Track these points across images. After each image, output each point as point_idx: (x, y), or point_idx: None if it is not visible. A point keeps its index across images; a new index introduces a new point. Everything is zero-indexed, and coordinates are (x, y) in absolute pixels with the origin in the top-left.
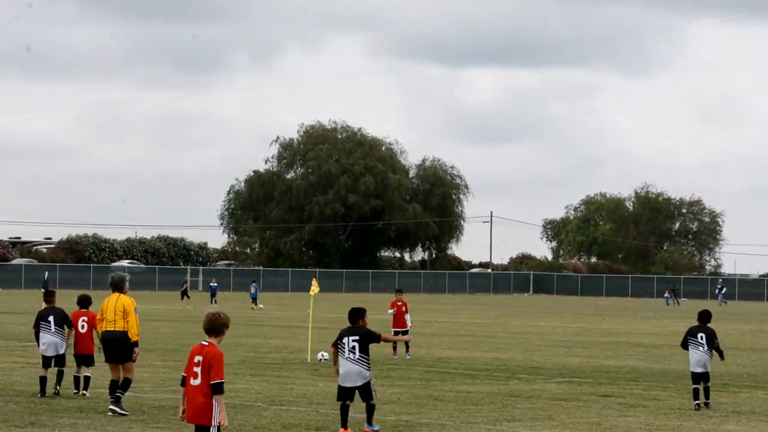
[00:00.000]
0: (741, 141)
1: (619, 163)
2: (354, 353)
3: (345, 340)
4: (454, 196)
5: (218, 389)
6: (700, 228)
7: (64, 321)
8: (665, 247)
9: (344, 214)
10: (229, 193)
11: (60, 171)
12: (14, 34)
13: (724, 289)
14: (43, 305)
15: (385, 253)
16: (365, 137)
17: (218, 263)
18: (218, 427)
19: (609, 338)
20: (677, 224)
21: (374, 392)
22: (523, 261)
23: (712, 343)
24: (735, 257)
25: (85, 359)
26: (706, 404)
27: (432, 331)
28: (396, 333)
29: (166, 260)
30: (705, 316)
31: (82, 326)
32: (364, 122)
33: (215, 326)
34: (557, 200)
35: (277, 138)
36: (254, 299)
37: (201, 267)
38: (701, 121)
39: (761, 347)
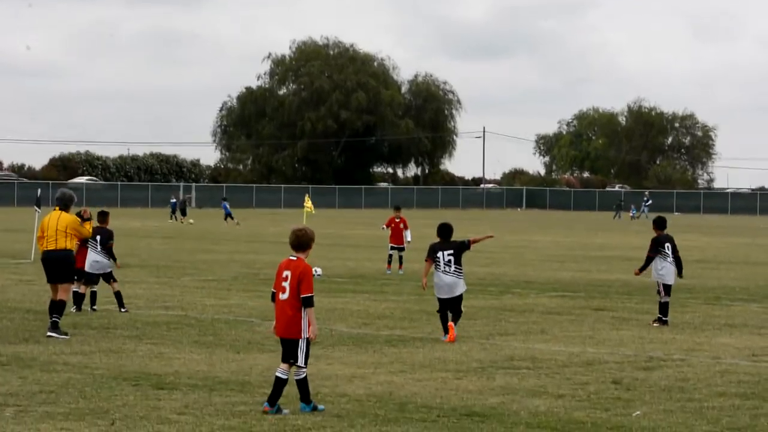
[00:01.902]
0: (734, 55)
1: (611, 78)
2: (450, 266)
3: (440, 254)
4: (446, 111)
5: (309, 302)
6: (693, 142)
7: (109, 240)
8: (658, 162)
9: (336, 130)
10: (221, 110)
11: (53, 89)
12: None
13: (650, 202)
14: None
15: (378, 169)
16: (357, 53)
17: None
18: (308, 339)
19: (602, 252)
20: (670, 139)
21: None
22: (515, 176)
23: (676, 251)
24: (728, 171)
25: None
26: (662, 320)
27: (425, 246)
28: (392, 248)
29: (159, 177)
30: (662, 223)
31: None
32: (356, 38)
33: (303, 242)
34: (550, 115)
35: (269, 54)
36: (229, 215)
37: (194, 183)
38: (694, 35)
39: (754, 261)
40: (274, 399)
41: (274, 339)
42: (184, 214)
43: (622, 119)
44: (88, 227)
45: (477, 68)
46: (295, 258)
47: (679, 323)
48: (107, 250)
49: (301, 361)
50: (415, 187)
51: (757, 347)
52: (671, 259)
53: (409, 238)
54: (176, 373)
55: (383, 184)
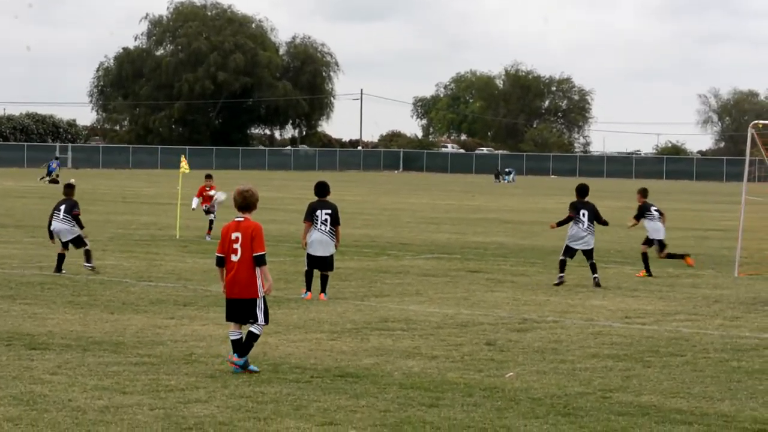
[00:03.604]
0: (611, 21)
1: (490, 41)
2: (326, 225)
3: (318, 213)
4: (324, 73)
5: (262, 260)
6: (570, 106)
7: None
8: (535, 125)
9: (214, 91)
10: (98, 70)
11: None
12: None
13: (513, 174)
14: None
15: (256, 131)
16: (235, 14)
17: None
18: (264, 297)
19: (478, 215)
20: (547, 102)
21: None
22: (393, 138)
23: (597, 218)
24: (604, 135)
25: None
26: (595, 279)
27: (301, 207)
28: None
29: (35, 137)
30: (583, 191)
31: None
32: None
33: (250, 202)
34: (428, 78)
35: (147, 15)
36: (50, 173)
37: (70, 144)
38: (572, 0)
39: (627, 224)
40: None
41: (148, 299)
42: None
43: (499, 83)
44: None
45: (355, 30)
46: (242, 218)
47: (554, 285)
48: None
49: (261, 320)
50: (292, 148)
51: (630, 309)
52: (585, 225)
53: (220, 199)
54: (50, 333)
55: (287, 148)
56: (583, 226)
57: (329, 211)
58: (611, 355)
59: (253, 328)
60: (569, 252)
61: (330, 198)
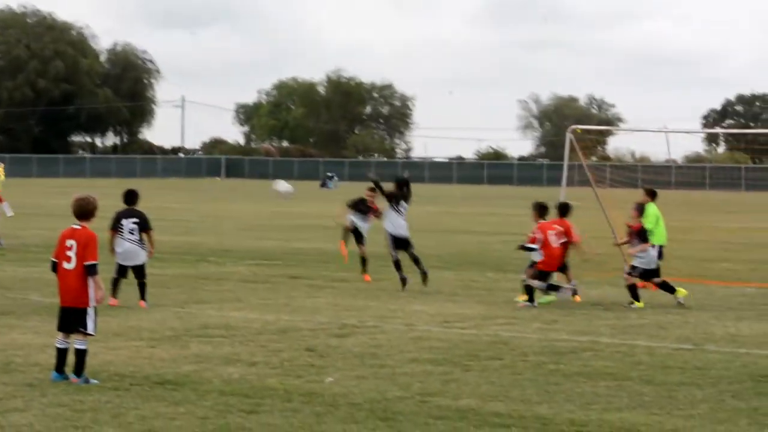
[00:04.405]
0: (434, 29)
1: (314, 49)
2: (133, 234)
3: (124, 222)
4: (145, 80)
5: (93, 270)
6: (392, 112)
7: None
8: (357, 131)
9: (34, 98)
10: None
11: None
12: None
13: (335, 178)
14: None
15: (77, 138)
16: (56, 21)
17: None
18: (95, 307)
19: (300, 221)
20: (369, 108)
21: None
22: (215, 145)
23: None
24: (425, 141)
25: None
26: (423, 274)
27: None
28: None
29: None
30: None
31: None
32: (54, 6)
33: (86, 210)
34: (250, 85)
35: None
36: None
37: None
38: (395, 7)
39: (448, 229)
40: (60, 368)
41: None
42: None
43: (321, 89)
44: None
45: (178, 37)
46: (79, 227)
47: (373, 290)
48: None
49: (90, 329)
50: (113, 156)
51: (449, 314)
52: (404, 215)
53: (9, 212)
54: None
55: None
56: (401, 216)
57: (136, 220)
58: (430, 360)
59: (78, 345)
60: (395, 242)
61: (142, 206)
